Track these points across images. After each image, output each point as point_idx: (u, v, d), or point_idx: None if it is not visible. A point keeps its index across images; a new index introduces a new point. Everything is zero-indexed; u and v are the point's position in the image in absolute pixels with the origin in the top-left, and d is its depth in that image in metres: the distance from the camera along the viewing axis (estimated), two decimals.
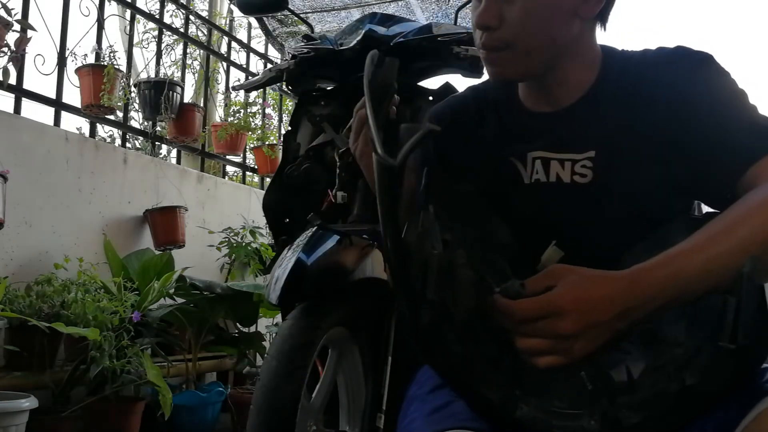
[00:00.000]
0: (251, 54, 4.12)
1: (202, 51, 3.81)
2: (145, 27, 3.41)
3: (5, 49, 2.20)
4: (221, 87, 4.12)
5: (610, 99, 0.91)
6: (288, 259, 1.30)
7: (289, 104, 4.21)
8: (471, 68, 1.57)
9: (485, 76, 1.51)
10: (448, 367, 0.77)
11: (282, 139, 2.12)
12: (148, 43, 3.42)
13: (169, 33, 3.52)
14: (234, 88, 3.59)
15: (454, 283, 0.80)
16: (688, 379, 0.70)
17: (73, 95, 3.01)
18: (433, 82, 1.68)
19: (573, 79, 0.92)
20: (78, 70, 2.86)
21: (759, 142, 0.79)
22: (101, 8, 2.99)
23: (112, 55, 2.95)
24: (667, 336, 0.73)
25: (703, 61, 0.87)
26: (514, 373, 0.76)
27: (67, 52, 2.82)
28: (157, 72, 3.32)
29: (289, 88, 1.70)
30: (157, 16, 3.39)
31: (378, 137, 0.66)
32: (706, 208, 0.91)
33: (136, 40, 3.31)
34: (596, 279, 0.73)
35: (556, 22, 0.87)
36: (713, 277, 0.70)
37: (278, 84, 1.73)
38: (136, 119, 3.47)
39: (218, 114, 4.09)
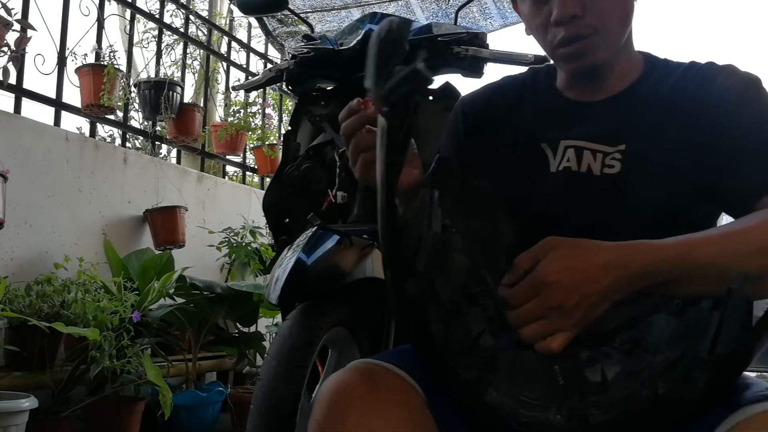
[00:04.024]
0: (251, 54, 4.12)
1: (202, 51, 3.80)
2: (145, 27, 3.42)
3: (5, 49, 2.20)
4: (221, 87, 4.12)
5: (650, 98, 0.91)
6: (288, 259, 1.30)
7: (289, 104, 4.21)
8: (471, 68, 1.57)
9: (486, 77, 1.51)
10: (427, 341, 0.77)
11: (282, 139, 2.11)
12: (148, 43, 3.43)
13: (169, 33, 3.52)
14: (234, 88, 3.58)
15: (446, 265, 0.80)
16: (660, 387, 0.69)
17: (73, 95, 3.02)
18: (432, 82, 1.68)
19: (618, 72, 0.93)
20: (78, 70, 2.86)
21: None
22: (101, 8, 2.99)
23: (112, 54, 2.95)
24: (648, 343, 0.73)
25: (753, 83, 0.88)
26: (491, 358, 0.76)
27: (67, 52, 2.82)
28: (157, 72, 3.32)
29: (289, 88, 1.70)
30: (157, 16, 3.39)
31: (378, 78, 0.66)
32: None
33: (136, 39, 3.31)
34: (587, 248, 0.74)
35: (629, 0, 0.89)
36: (717, 272, 0.71)
37: (278, 84, 1.73)
38: (136, 119, 3.48)
39: (218, 114, 4.09)
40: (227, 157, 3.81)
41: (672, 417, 0.70)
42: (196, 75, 3.96)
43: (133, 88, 3.17)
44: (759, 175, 0.82)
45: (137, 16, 3.28)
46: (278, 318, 3.07)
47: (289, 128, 1.67)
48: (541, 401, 0.72)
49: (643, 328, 0.74)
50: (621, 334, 0.74)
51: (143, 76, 3.34)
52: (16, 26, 2.26)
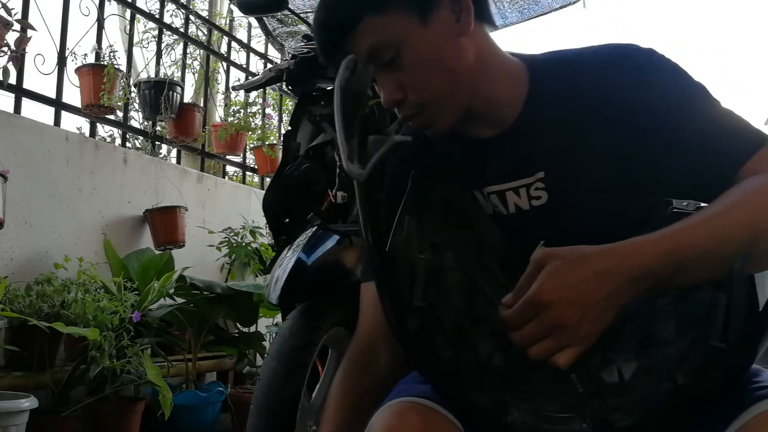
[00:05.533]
0: (251, 54, 4.12)
1: (202, 51, 3.81)
2: (145, 27, 3.42)
3: (5, 49, 2.20)
4: (221, 87, 4.12)
5: (548, 112, 0.86)
6: (288, 259, 1.30)
7: (289, 104, 4.21)
8: None
9: None
10: (438, 372, 0.77)
11: (282, 139, 2.11)
12: (148, 43, 3.43)
13: (169, 33, 3.52)
14: (234, 88, 3.58)
15: (443, 287, 0.79)
16: (680, 378, 0.69)
17: (73, 95, 3.01)
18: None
19: (502, 98, 0.87)
20: (78, 70, 2.86)
21: (742, 144, 0.77)
22: (101, 8, 2.99)
23: (112, 54, 2.95)
24: (658, 336, 0.72)
25: (647, 60, 0.82)
26: (504, 377, 0.75)
27: (67, 52, 2.82)
28: (157, 72, 3.31)
29: (289, 88, 1.70)
30: (157, 16, 3.39)
31: (346, 148, 0.66)
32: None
33: (136, 39, 3.31)
34: (580, 259, 0.71)
35: (446, 57, 0.83)
36: (714, 257, 0.69)
37: (278, 84, 1.73)
38: (136, 119, 3.48)
39: (218, 114, 4.09)
40: (227, 157, 3.81)
41: (693, 410, 0.69)
42: (196, 75, 3.96)
43: (133, 88, 3.17)
44: (728, 153, 0.77)
45: (137, 16, 3.28)
46: (278, 318, 3.07)
47: (289, 128, 1.67)
48: (563, 413, 0.71)
49: (647, 320, 0.73)
50: (627, 329, 0.72)
51: (143, 76, 3.34)
52: (16, 26, 2.26)
